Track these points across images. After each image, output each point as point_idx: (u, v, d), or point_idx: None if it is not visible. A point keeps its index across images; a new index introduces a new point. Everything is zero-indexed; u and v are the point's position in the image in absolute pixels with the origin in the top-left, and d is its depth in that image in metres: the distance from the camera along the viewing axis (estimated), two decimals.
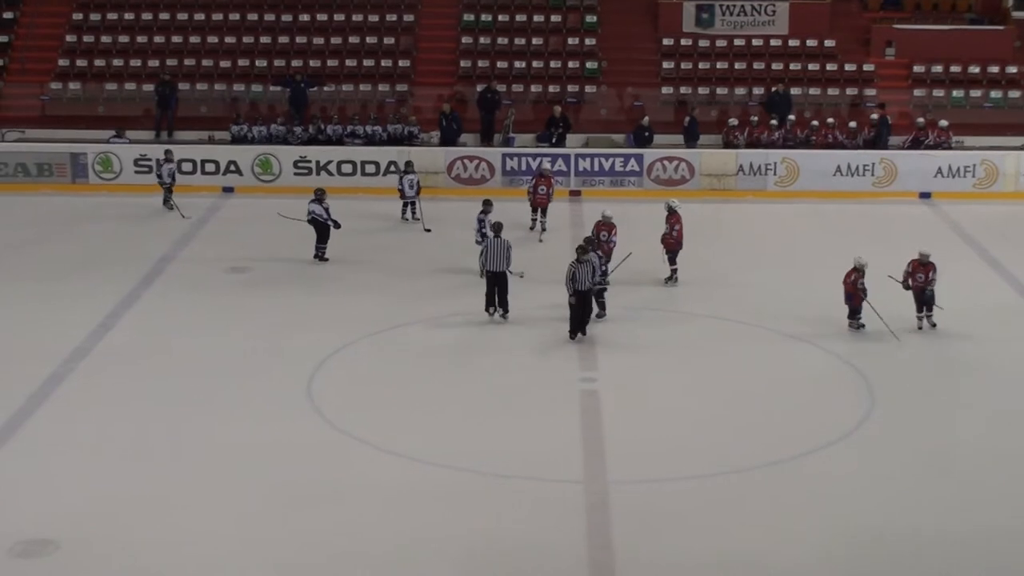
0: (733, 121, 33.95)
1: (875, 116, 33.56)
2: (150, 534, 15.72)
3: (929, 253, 22.76)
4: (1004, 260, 26.98)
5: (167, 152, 31.11)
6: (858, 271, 22.57)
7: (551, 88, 35.90)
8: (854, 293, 22.57)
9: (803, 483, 17.28)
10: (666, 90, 35.99)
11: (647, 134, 33.48)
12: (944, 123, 33.41)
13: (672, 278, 25.15)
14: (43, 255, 27.06)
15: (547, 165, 30.30)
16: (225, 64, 36.39)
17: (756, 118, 33.93)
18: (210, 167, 32.30)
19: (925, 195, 32.03)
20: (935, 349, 22.19)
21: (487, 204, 25.72)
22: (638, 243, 25.06)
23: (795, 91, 35.60)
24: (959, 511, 16.52)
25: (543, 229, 28.65)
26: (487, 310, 23.13)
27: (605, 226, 24.62)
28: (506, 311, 23.03)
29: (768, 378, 20.66)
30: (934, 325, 22.69)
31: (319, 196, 26.73)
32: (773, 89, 34.98)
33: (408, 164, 30.25)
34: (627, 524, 16.10)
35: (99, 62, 36.35)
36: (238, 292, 24.94)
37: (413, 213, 29.56)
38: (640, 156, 32.44)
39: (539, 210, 28.89)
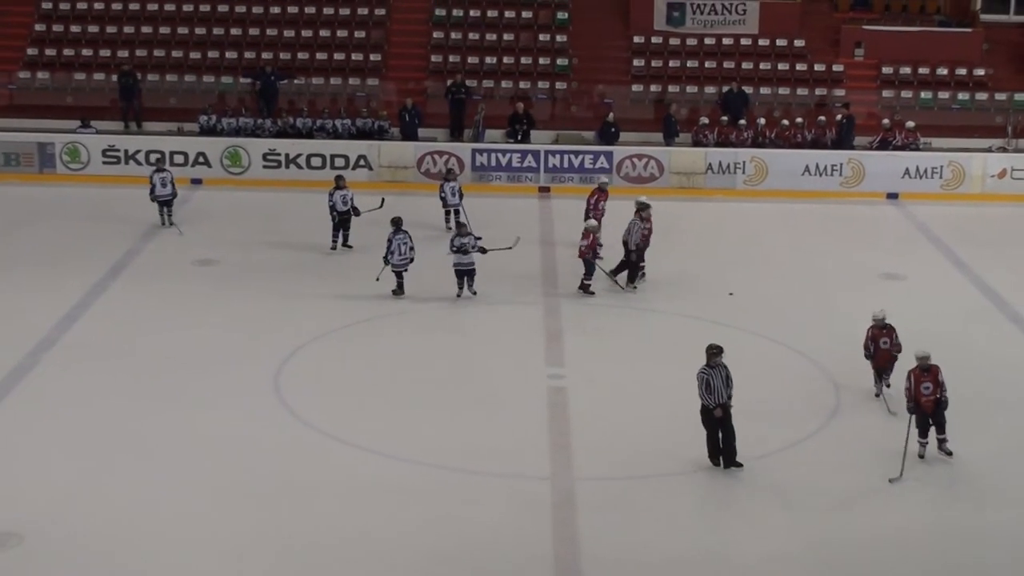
0: (704, 120, 34.06)
1: (840, 117, 33.73)
2: (114, 527, 15.70)
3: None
4: (970, 261, 27.12)
5: (159, 162, 29.45)
6: (883, 328, 19.78)
7: (521, 84, 35.94)
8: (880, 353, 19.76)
9: (768, 481, 17.35)
10: (636, 88, 36.07)
11: (613, 130, 33.55)
12: (911, 124, 33.62)
13: (639, 277, 25.04)
14: (9, 246, 26.89)
15: (605, 179, 28.67)
16: (195, 55, 36.27)
17: (726, 118, 34.02)
18: (179, 159, 32.09)
19: (892, 196, 32.18)
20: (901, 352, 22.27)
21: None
22: (610, 240, 25.07)
23: (764, 90, 35.80)
24: (921, 510, 16.65)
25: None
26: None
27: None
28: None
29: (735, 376, 20.70)
30: (949, 453, 17.90)
31: (341, 183, 26.90)
32: (726, 88, 35.12)
33: (449, 171, 29.33)
34: (593, 520, 16.16)
35: (68, 52, 36.20)
36: (205, 284, 24.84)
37: (457, 219, 27.81)
38: (610, 153, 32.49)
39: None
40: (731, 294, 24.42)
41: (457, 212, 28.06)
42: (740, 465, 17.38)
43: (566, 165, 32.47)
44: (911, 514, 16.56)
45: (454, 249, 23.94)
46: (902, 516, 16.47)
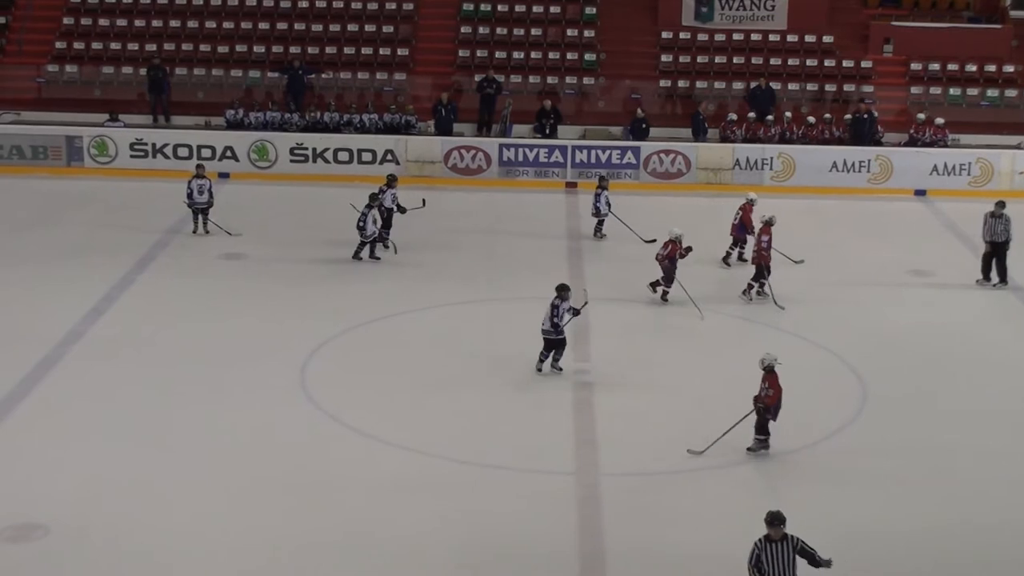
0: (732, 116, 33.99)
1: (863, 113, 33.62)
2: (141, 519, 15.74)
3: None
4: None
5: (198, 167, 28.09)
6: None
7: (549, 79, 35.89)
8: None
9: (796, 477, 17.31)
10: (664, 83, 35.99)
11: (644, 126, 33.50)
12: (940, 121, 33.48)
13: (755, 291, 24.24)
14: (37, 239, 26.99)
15: (753, 195, 26.70)
16: (223, 49, 36.33)
17: (753, 114, 33.94)
18: (206, 152, 32.20)
19: (920, 192, 32.04)
20: (927, 347, 22.19)
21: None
22: (631, 235, 25.08)
23: (792, 86, 35.65)
24: (945, 507, 16.58)
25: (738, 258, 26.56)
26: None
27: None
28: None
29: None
30: (750, 450, 17.84)
31: (393, 182, 26.81)
32: (754, 84, 35.02)
33: (602, 179, 28.19)
34: (618, 516, 16.13)
35: (96, 45, 36.29)
36: (232, 279, 24.91)
37: (598, 230, 27.63)
38: (637, 149, 32.43)
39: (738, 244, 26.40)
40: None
41: (602, 223, 27.48)
42: None
43: (593, 161, 32.41)
44: (939, 509, 16.48)
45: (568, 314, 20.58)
46: (929, 512, 16.40)
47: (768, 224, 24.11)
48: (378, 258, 25.78)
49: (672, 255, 23.58)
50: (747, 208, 26.20)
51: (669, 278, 23.64)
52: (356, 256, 25.66)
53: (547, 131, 33.74)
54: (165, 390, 19.43)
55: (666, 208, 27.20)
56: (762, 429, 17.84)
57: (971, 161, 32.27)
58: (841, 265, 26.43)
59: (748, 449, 17.78)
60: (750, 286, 24.02)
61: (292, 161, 32.37)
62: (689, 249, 23.73)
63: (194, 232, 27.42)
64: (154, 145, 32.16)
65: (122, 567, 14.86)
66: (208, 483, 16.70)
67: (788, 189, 31.84)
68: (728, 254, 26.32)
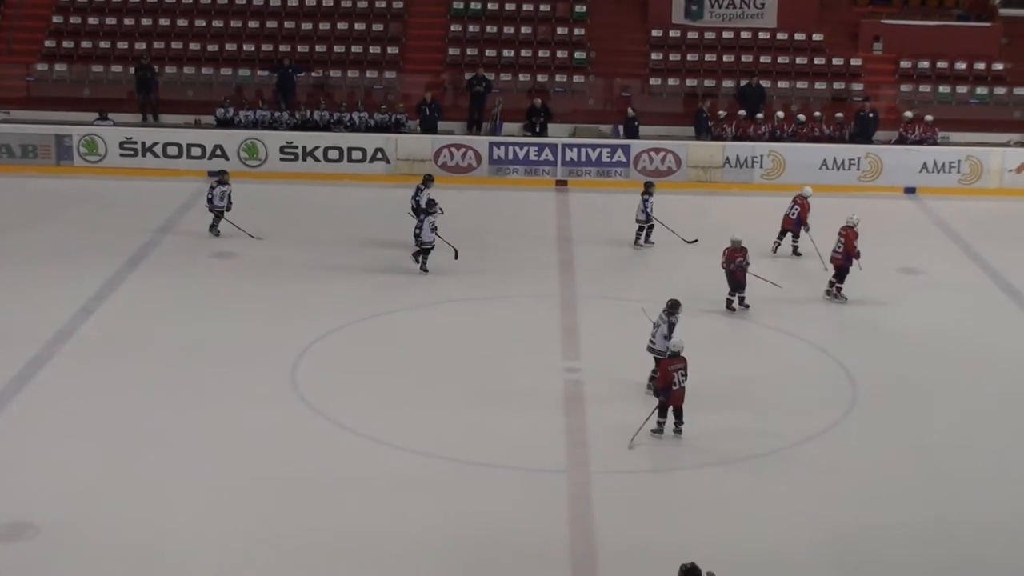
0: (721, 113, 34.01)
1: (866, 111, 33.68)
2: (130, 518, 15.72)
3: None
4: (987, 256, 27.03)
5: (221, 173, 28.30)
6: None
7: (539, 77, 35.87)
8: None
9: (786, 474, 17.33)
10: (654, 81, 36.00)
11: (636, 124, 33.51)
12: (929, 118, 33.54)
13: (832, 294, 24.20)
14: (26, 238, 26.92)
15: (809, 190, 27.13)
16: (213, 48, 36.26)
17: (744, 112, 33.98)
18: (196, 151, 32.18)
19: (910, 190, 32.10)
20: (918, 343, 22.23)
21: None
22: (628, 234, 25.09)
23: (782, 84, 35.68)
24: (940, 503, 16.60)
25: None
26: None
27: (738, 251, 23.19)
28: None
29: (752, 370, 20.69)
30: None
31: (430, 182, 26.67)
32: (744, 82, 35.06)
33: (649, 184, 27.47)
34: (609, 513, 16.14)
35: (86, 44, 36.21)
36: (222, 277, 24.89)
37: (647, 237, 27.13)
38: (627, 147, 32.44)
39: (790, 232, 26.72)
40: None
41: (651, 229, 27.07)
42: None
43: (583, 159, 32.41)
44: (926, 506, 16.51)
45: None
46: (917, 508, 16.42)
47: (851, 227, 24.02)
48: (426, 271, 25.05)
49: (729, 259, 23.07)
50: (805, 203, 26.49)
51: (735, 286, 23.12)
52: (418, 263, 25.11)
53: (537, 129, 33.75)
54: (155, 389, 19.41)
55: (656, 206, 27.13)
56: (662, 411, 18.11)
57: (960, 159, 32.34)
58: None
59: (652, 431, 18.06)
60: (833, 285, 24.05)
61: (282, 160, 32.33)
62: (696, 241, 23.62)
63: (209, 229, 27.20)
64: (144, 144, 32.11)
65: (112, 566, 14.84)
66: (198, 482, 16.67)
67: (778, 187, 31.80)
68: (778, 244, 26.68)
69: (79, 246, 26.34)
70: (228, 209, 27.21)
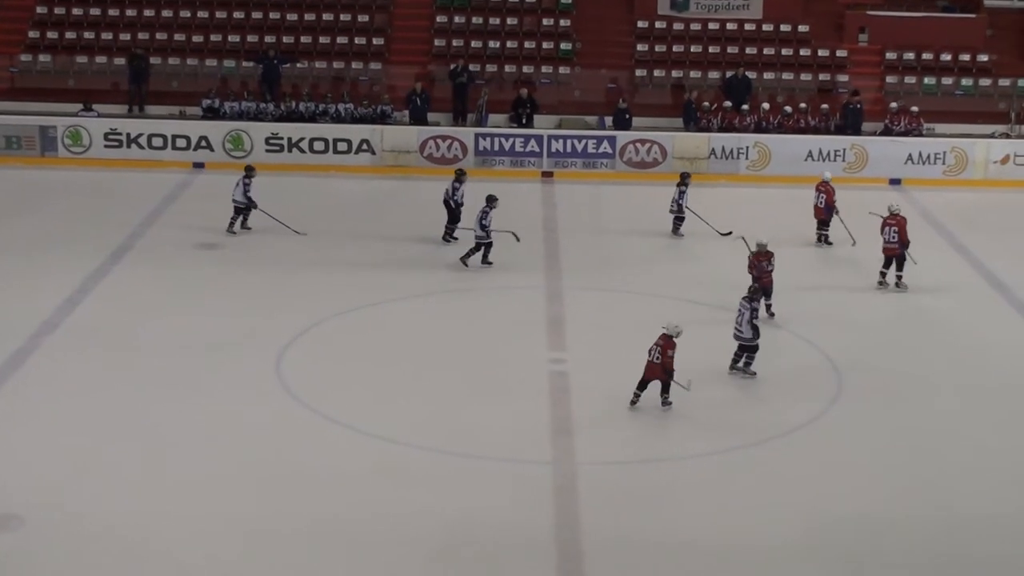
0: (707, 105, 34.04)
1: (853, 103, 33.72)
2: (115, 508, 15.70)
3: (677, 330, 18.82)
4: (972, 247, 27.09)
5: (248, 169, 27.43)
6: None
7: (525, 68, 35.85)
8: None
9: (772, 465, 17.36)
10: (640, 72, 36.00)
11: (627, 116, 33.50)
12: (915, 109, 33.60)
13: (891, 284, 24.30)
14: (11, 229, 26.83)
15: (828, 174, 27.56)
16: (198, 39, 36.16)
17: (729, 103, 33.99)
18: (181, 142, 32.12)
19: (895, 181, 32.16)
20: (904, 335, 22.29)
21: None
22: (614, 225, 25.08)
23: (768, 76, 35.71)
24: (927, 493, 16.65)
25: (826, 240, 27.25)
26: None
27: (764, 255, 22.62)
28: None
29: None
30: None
31: (463, 178, 26.57)
32: (730, 74, 35.08)
33: (685, 175, 27.56)
34: (595, 505, 16.15)
35: (70, 34, 36.07)
36: (208, 268, 24.84)
37: (676, 229, 27.19)
38: (613, 138, 32.45)
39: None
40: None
41: (682, 221, 27.08)
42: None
43: (569, 150, 32.43)
44: (917, 499, 16.55)
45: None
46: (908, 500, 16.47)
47: (896, 216, 24.23)
48: (466, 265, 24.83)
49: (753, 264, 22.67)
50: (828, 189, 26.76)
51: (765, 291, 22.36)
52: (483, 259, 24.89)
53: (523, 120, 33.74)
54: (141, 380, 19.37)
55: (642, 197, 27.18)
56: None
57: (946, 150, 32.41)
58: (817, 254, 26.51)
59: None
60: (884, 275, 24.20)
61: (267, 151, 32.26)
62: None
63: (227, 228, 26.73)
64: (128, 135, 32.06)
65: (96, 557, 14.80)
66: (183, 472, 16.64)
67: (764, 178, 31.92)
68: (821, 236, 26.92)
69: (64, 238, 26.26)
70: (250, 205, 26.76)
